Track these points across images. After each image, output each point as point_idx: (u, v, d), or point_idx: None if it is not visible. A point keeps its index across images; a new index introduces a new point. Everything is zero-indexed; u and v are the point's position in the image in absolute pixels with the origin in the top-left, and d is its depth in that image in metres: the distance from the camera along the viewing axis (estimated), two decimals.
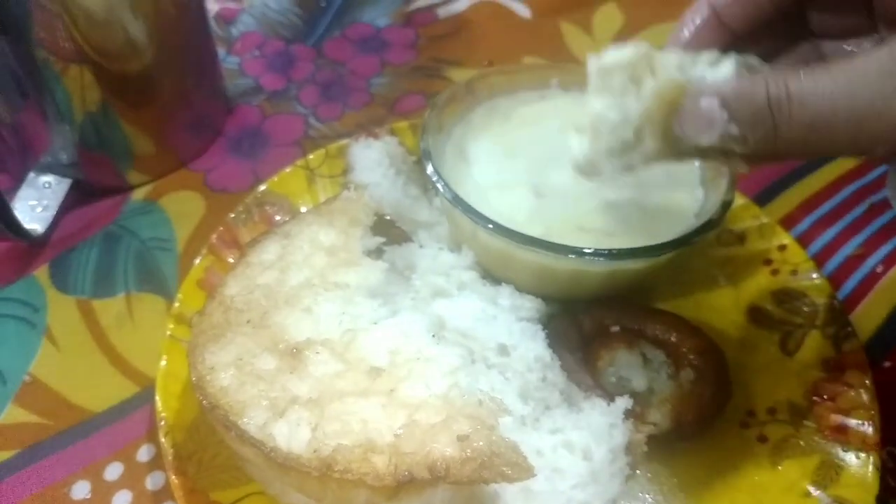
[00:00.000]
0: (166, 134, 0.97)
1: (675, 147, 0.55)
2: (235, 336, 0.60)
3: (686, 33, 0.59)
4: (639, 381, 0.69)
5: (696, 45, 0.58)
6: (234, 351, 0.58)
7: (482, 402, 0.51)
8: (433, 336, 0.58)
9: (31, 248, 0.88)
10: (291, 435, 0.51)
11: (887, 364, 0.80)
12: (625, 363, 0.70)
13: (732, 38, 0.58)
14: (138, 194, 0.95)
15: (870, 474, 0.65)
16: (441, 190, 0.72)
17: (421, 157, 0.75)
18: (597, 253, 0.66)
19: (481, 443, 0.48)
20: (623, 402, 0.61)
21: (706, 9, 0.58)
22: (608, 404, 0.61)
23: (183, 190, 0.95)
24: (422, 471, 0.46)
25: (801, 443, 0.69)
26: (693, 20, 0.59)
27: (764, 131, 0.47)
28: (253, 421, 0.53)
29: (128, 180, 0.96)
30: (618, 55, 0.56)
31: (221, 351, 0.59)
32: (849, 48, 0.59)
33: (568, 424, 0.61)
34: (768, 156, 0.51)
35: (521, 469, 0.47)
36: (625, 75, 0.56)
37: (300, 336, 0.59)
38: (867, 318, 0.84)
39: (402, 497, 0.47)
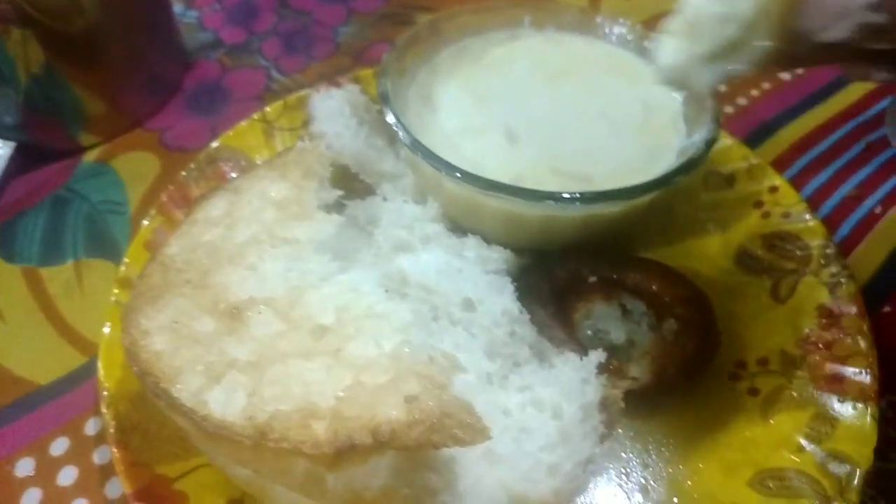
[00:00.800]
0: (119, 93, 0.92)
1: (794, 44, 0.47)
2: (174, 298, 0.55)
3: None
4: (618, 334, 0.64)
5: None
6: (170, 313, 0.54)
7: (433, 360, 0.46)
8: (386, 291, 0.53)
9: None
10: (226, 402, 0.47)
11: (887, 309, 0.76)
12: (602, 315, 0.65)
13: None
14: (90, 156, 0.90)
15: (867, 426, 0.60)
16: (401, 136, 0.67)
17: (380, 104, 0.70)
18: (569, 197, 0.61)
19: (431, 403, 0.43)
20: (596, 356, 0.56)
21: None
22: (581, 358, 0.56)
23: (137, 150, 0.90)
24: (364, 436, 0.42)
25: (795, 394, 0.65)
26: None
27: None
28: (186, 388, 0.48)
29: (79, 142, 0.90)
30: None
31: (158, 314, 0.54)
32: None
33: (537, 381, 0.56)
34: None
35: (475, 431, 0.42)
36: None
37: (242, 295, 0.54)
38: (864, 261, 0.79)
39: (345, 466, 0.43)
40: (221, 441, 0.45)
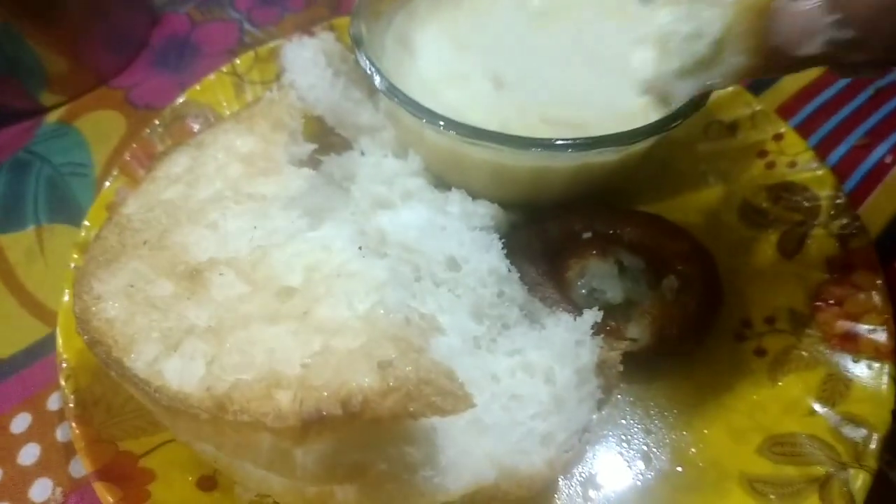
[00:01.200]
0: (81, 50, 0.86)
1: (769, 59, 0.47)
2: (129, 260, 0.50)
3: None
4: (614, 293, 0.60)
5: None
6: (125, 277, 0.49)
7: (410, 321, 0.42)
8: (360, 248, 0.48)
9: None
10: (183, 371, 0.42)
11: None
12: (598, 273, 0.61)
13: None
14: (52, 117, 0.85)
15: (884, 386, 0.56)
16: (376, 81, 0.61)
17: (353, 48, 0.64)
18: (562, 144, 0.56)
19: (407, 369, 0.38)
20: (591, 316, 0.51)
21: None
22: (574, 319, 0.52)
23: (102, 109, 0.85)
24: (333, 406, 0.37)
25: (805, 354, 0.61)
26: None
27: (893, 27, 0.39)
28: (141, 357, 0.44)
29: (40, 101, 0.86)
30: None
31: (112, 278, 0.49)
32: None
33: (528, 344, 0.52)
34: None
35: (456, 399, 0.38)
36: None
37: (203, 256, 0.50)
38: (875, 212, 0.75)
39: (313, 439, 0.38)
40: (178, 415, 0.41)
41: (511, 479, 0.44)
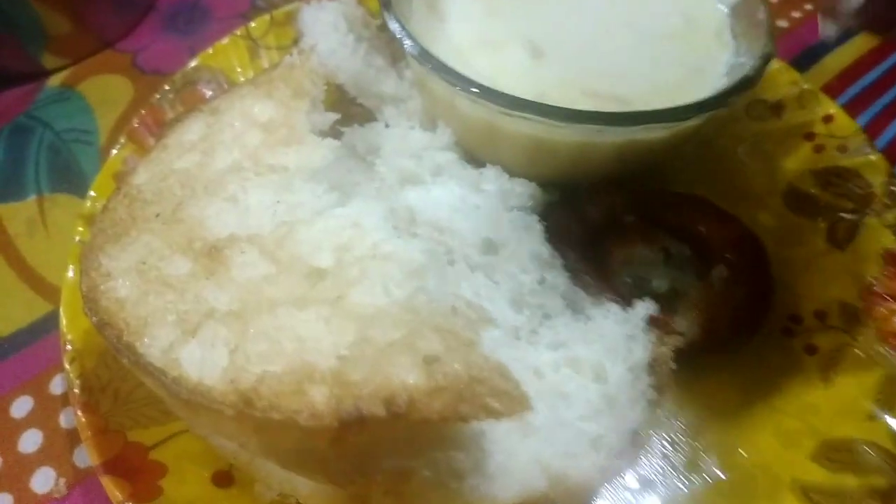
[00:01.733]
0: (86, 10, 0.82)
1: None
2: (141, 234, 0.46)
3: None
4: (660, 282, 0.56)
5: None
6: (137, 252, 0.45)
7: (457, 311, 0.38)
8: (394, 227, 0.44)
9: None
10: (204, 360, 0.38)
11: None
12: (642, 260, 0.57)
13: None
14: (54, 80, 0.81)
15: None
16: (407, 46, 0.57)
17: (381, 14, 0.60)
18: (609, 118, 0.52)
19: (456, 365, 0.34)
20: (644, 308, 0.47)
21: None
22: (624, 311, 0.48)
23: (107, 73, 0.81)
24: (375, 406, 0.33)
25: (860, 353, 0.57)
26: None
27: None
28: (156, 342, 0.40)
29: (42, 64, 0.82)
30: None
31: (122, 253, 0.45)
32: None
33: (574, 337, 0.48)
34: None
35: (512, 400, 0.34)
36: None
37: (222, 231, 0.46)
38: None
39: (350, 441, 0.34)
40: (199, 410, 0.37)
41: (561, 486, 0.40)
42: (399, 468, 0.35)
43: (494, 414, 0.33)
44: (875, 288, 0.60)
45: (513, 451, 0.40)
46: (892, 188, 0.64)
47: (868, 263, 0.61)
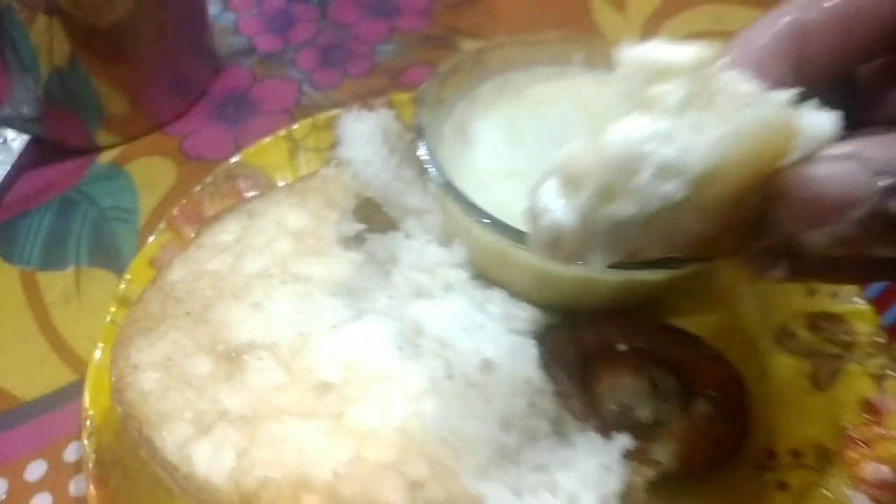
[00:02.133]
0: (142, 93, 0.88)
1: (734, 236, 0.35)
2: (170, 330, 0.51)
3: (753, 53, 0.39)
4: (644, 412, 0.59)
5: (760, 72, 0.36)
6: (164, 348, 0.50)
7: (446, 441, 0.41)
8: (400, 349, 0.49)
9: None
10: (212, 459, 0.42)
11: None
12: (630, 389, 0.60)
13: (799, 77, 0.38)
14: (105, 157, 0.86)
15: None
16: (432, 174, 0.62)
17: (414, 134, 0.65)
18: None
19: (438, 492, 0.38)
20: (622, 441, 0.51)
21: (791, 27, 0.39)
22: (604, 442, 0.51)
23: (154, 155, 0.86)
24: None
25: (828, 493, 0.59)
26: (767, 39, 0.39)
27: None
28: (172, 437, 0.44)
29: (95, 140, 0.87)
30: (678, 52, 0.34)
31: (150, 347, 0.50)
32: None
33: (555, 462, 0.51)
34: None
35: None
36: (684, 89, 0.33)
37: (244, 336, 0.50)
38: None
39: None
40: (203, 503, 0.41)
41: None
42: None
43: None
44: (850, 433, 0.63)
45: None
46: (877, 339, 0.67)
47: (846, 409, 0.64)
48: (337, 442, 0.42)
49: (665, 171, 0.31)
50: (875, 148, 0.30)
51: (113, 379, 0.48)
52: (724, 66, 0.36)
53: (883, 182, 0.29)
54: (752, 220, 0.33)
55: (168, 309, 0.53)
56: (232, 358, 0.48)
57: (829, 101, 0.35)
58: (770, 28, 0.39)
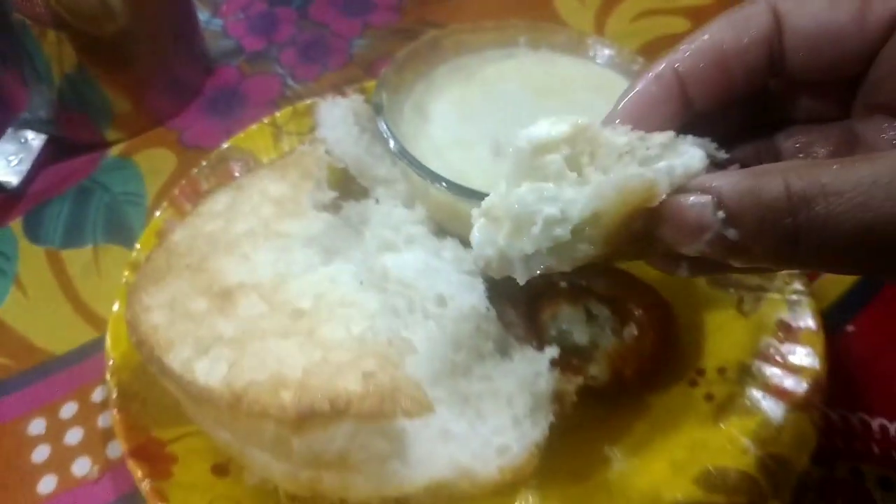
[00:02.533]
0: (144, 94, 0.99)
1: (628, 252, 0.46)
2: (174, 280, 0.61)
3: (637, 103, 0.47)
4: (581, 336, 0.69)
5: (647, 119, 0.46)
6: (169, 292, 0.60)
7: (391, 342, 0.52)
8: (360, 283, 0.59)
9: (6, 200, 0.91)
10: (210, 370, 0.53)
11: (850, 329, 0.79)
12: (567, 318, 0.70)
13: (684, 118, 0.47)
14: (114, 151, 0.97)
15: (808, 432, 0.64)
16: (390, 144, 0.72)
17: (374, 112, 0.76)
18: None
19: (384, 379, 0.48)
20: (550, 351, 0.61)
21: (670, 76, 0.46)
22: (537, 354, 0.61)
23: (157, 147, 0.97)
24: (323, 404, 0.48)
25: (747, 402, 0.69)
26: (649, 88, 0.46)
27: (777, 240, 0.36)
28: (177, 357, 0.54)
29: (105, 137, 0.98)
30: (552, 130, 0.43)
31: (159, 292, 0.60)
32: (804, 140, 0.49)
33: (497, 373, 0.61)
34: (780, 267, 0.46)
35: (420, 405, 0.48)
36: (560, 156, 0.43)
37: (234, 280, 0.60)
38: (833, 283, 0.83)
39: (307, 429, 0.48)
40: (203, 404, 0.51)
41: (467, 479, 0.54)
42: (340, 450, 0.49)
43: (408, 414, 0.47)
44: (769, 350, 0.72)
45: (434, 451, 0.54)
46: (792, 270, 0.77)
47: (766, 330, 0.73)
48: (308, 351, 0.52)
49: (551, 222, 0.42)
50: (722, 182, 0.38)
51: (128, 317, 0.59)
52: (608, 122, 0.46)
53: (721, 214, 0.37)
54: (643, 237, 0.42)
55: (171, 263, 0.63)
56: (224, 296, 0.59)
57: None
58: (649, 79, 0.46)
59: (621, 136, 0.44)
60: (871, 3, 0.43)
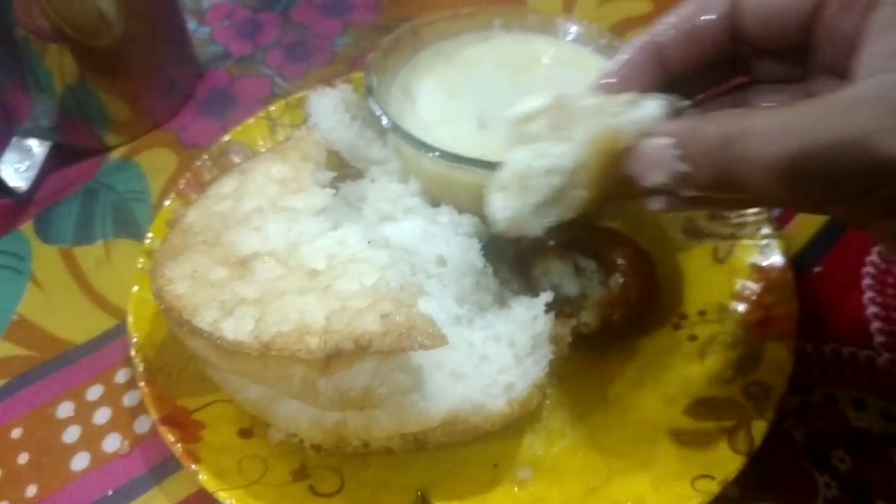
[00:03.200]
0: (140, 99, 1.03)
1: (615, 191, 0.53)
2: (192, 254, 0.66)
3: (623, 69, 0.56)
4: (570, 287, 0.74)
5: (631, 82, 0.55)
6: (189, 265, 0.64)
7: (403, 287, 0.57)
8: (368, 242, 0.64)
9: (17, 205, 0.95)
10: (237, 328, 0.57)
11: (818, 269, 0.85)
12: (557, 272, 0.75)
13: (665, 79, 0.56)
14: (116, 154, 1.01)
15: (784, 358, 0.70)
16: (384, 121, 0.77)
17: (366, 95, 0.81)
18: None
19: (400, 318, 0.53)
20: (545, 296, 0.66)
21: (649, 45, 0.55)
22: (533, 300, 0.67)
23: (157, 148, 1.01)
24: (348, 343, 0.52)
25: (728, 339, 0.75)
26: (632, 56, 0.56)
27: (716, 171, 0.44)
28: (204, 319, 0.59)
29: (105, 142, 1.02)
30: (532, 104, 0.55)
31: (178, 266, 0.65)
32: (772, 99, 0.57)
33: (498, 321, 0.67)
34: (724, 199, 0.55)
35: (435, 338, 0.53)
36: (543, 123, 0.54)
37: (249, 250, 0.65)
38: (801, 227, 0.89)
39: (333, 369, 0.53)
40: (234, 356, 0.56)
41: (479, 413, 0.59)
42: (364, 387, 0.54)
43: (424, 346, 0.52)
44: (744, 291, 0.78)
45: (447, 389, 0.59)
46: (761, 216, 0.83)
47: (740, 273, 0.79)
48: (326, 304, 0.57)
49: (547, 173, 0.53)
50: (674, 125, 0.48)
51: (154, 289, 0.63)
52: (601, 83, 0.57)
53: (674, 151, 0.46)
54: (622, 176, 0.51)
55: (188, 241, 0.68)
56: (242, 264, 0.63)
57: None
58: (634, 48, 0.56)
59: (592, 99, 0.54)
60: None
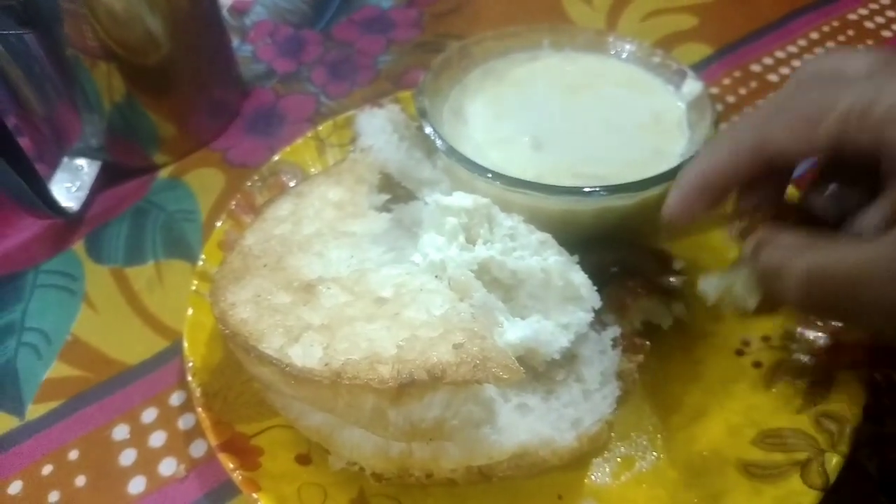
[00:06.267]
0: (187, 118, 1.04)
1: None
2: (253, 278, 0.65)
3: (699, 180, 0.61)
4: (666, 321, 0.73)
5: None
6: (252, 290, 0.64)
7: (476, 318, 0.56)
8: (437, 277, 0.63)
9: (68, 225, 0.95)
10: (305, 354, 0.56)
11: None
12: (648, 310, 0.74)
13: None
14: (164, 173, 1.01)
15: (857, 388, 0.68)
16: (438, 144, 0.77)
17: (419, 118, 0.80)
18: (586, 191, 0.71)
19: (474, 349, 0.52)
20: (611, 332, 0.65)
21: (702, 182, 0.61)
22: (598, 334, 0.66)
23: (205, 167, 1.01)
24: (421, 373, 0.51)
25: (795, 366, 0.73)
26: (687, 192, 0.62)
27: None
28: (271, 346, 0.58)
29: (154, 161, 1.02)
30: (458, 199, 0.65)
31: (241, 290, 0.64)
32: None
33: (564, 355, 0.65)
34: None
35: (510, 370, 0.51)
36: (458, 221, 0.64)
37: (312, 275, 0.64)
38: None
39: (405, 400, 0.52)
40: (303, 383, 0.55)
41: (548, 447, 0.57)
42: (436, 418, 0.53)
43: (499, 379, 0.51)
44: (809, 316, 0.76)
45: (515, 422, 0.58)
46: None
47: None
48: (396, 332, 0.56)
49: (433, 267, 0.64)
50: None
51: (216, 314, 0.62)
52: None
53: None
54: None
55: (249, 264, 0.67)
56: (307, 289, 0.62)
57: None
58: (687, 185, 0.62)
59: (509, 221, 0.66)
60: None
